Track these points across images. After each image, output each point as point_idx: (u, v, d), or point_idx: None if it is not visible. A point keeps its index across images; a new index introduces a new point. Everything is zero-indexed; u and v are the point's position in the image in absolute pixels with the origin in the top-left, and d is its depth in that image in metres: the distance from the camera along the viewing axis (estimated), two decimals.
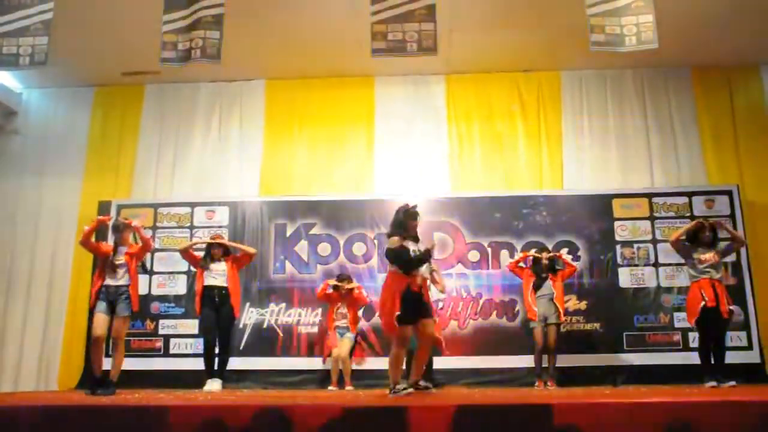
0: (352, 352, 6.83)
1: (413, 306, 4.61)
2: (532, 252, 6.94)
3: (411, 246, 4.76)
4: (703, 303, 5.78)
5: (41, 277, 8.09)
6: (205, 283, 6.42)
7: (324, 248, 7.74)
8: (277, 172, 8.35)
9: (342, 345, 6.65)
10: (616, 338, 7.26)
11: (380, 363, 7.17)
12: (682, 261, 6.34)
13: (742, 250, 7.21)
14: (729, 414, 3.10)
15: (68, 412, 3.39)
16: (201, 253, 6.71)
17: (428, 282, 6.08)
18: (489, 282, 7.55)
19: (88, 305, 5.80)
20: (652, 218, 7.60)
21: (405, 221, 4.85)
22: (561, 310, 6.62)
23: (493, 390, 5.92)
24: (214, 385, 6.22)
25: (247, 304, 7.51)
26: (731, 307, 5.93)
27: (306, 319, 7.50)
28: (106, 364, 5.65)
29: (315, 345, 7.41)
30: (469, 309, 7.45)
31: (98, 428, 3.29)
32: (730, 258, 6.92)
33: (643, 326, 7.29)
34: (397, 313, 4.53)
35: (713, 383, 5.61)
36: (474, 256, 7.61)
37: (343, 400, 3.99)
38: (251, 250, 6.79)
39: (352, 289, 6.89)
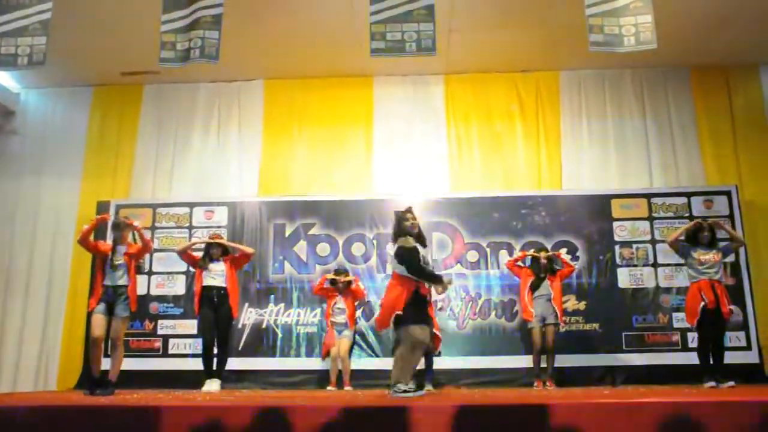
0: (351, 351, 6.81)
1: (421, 309, 4.60)
2: (531, 252, 6.95)
3: (423, 253, 4.72)
4: (703, 304, 5.79)
5: (40, 277, 8.08)
6: (204, 284, 6.41)
7: (323, 248, 7.73)
8: (276, 172, 8.35)
9: (340, 344, 6.63)
10: (615, 338, 7.25)
11: (380, 363, 7.20)
12: (681, 261, 6.35)
13: (741, 251, 7.22)
14: (728, 414, 3.10)
15: (67, 413, 3.39)
16: (199, 254, 6.70)
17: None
18: (488, 282, 7.55)
19: (87, 306, 5.78)
20: (651, 218, 7.61)
21: (401, 222, 4.81)
22: (559, 312, 6.63)
23: (493, 390, 5.92)
24: (212, 385, 6.22)
25: (246, 304, 7.51)
26: (731, 308, 5.94)
27: (305, 319, 7.49)
28: (105, 364, 5.65)
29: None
30: (468, 309, 7.45)
31: (97, 428, 3.29)
32: (729, 258, 6.90)
33: (642, 326, 7.30)
34: (399, 312, 4.50)
35: (712, 384, 5.61)
36: (473, 256, 7.61)
37: (342, 400, 3.99)
38: (249, 250, 6.79)
39: (349, 282, 6.87)
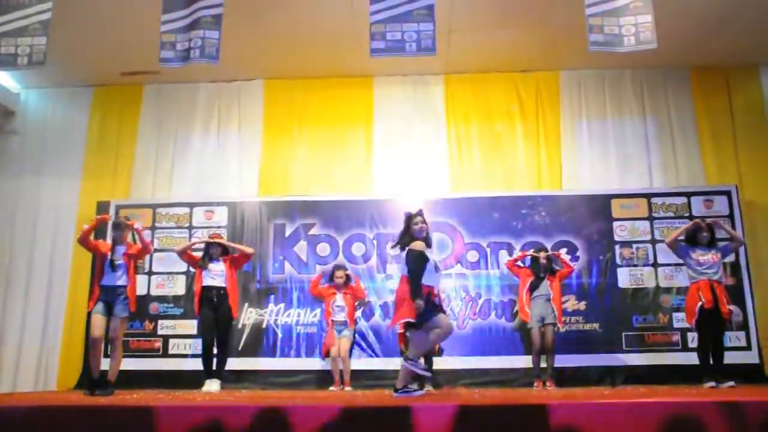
0: (351, 351, 6.80)
1: (427, 311, 4.61)
2: (531, 252, 6.95)
3: (431, 257, 4.75)
4: (700, 303, 5.79)
5: (40, 277, 8.08)
6: (204, 284, 6.41)
7: (323, 248, 7.73)
8: (276, 173, 8.34)
9: (340, 344, 6.61)
10: (615, 338, 7.25)
11: (379, 364, 7.20)
12: (681, 261, 6.34)
13: (741, 250, 7.22)
14: (728, 414, 3.09)
15: (66, 413, 3.39)
16: (199, 254, 6.70)
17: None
18: (488, 282, 7.55)
19: (86, 306, 5.78)
20: (651, 218, 7.60)
21: (409, 225, 4.83)
22: (558, 312, 6.63)
23: (493, 390, 5.92)
24: (212, 385, 6.22)
25: (246, 304, 7.51)
26: (730, 308, 5.93)
27: (305, 319, 7.49)
28: (105, 364, 5.65)
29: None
30: (468, 309, 7.44)
31: (97, 429, 3.29)
32: (729, 258, 6.91)
33: (642, 326, 7.29)
34: (410, 319, 4.55)
35: (712, 384, 5.61)
36: (473, 256, 7.61)
37: (342, 400, 3.99)
38: (249, 250, 6.79)
39: (348, 278, 6.85)
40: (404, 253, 4.78)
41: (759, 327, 7.17)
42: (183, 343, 7.48)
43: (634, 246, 7.55)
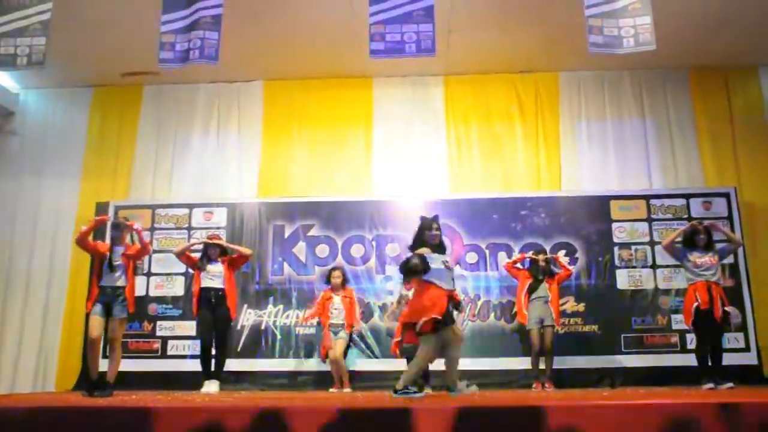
0: (346, 352, 6.78)
1: (447, 313, 4.66)
2: (530, 254, 6.95)
3: (435, 258, 4.74)
4: (695, 305, 5.78)
5: (39, 277, 8.07)
6: (202, 285, 6.40)
7: (322, 250, 7.73)
8: (276, 174, 8.34)
9: (336, 345, 6.58)
10: (614, 340, 7.26)
11: (379, 365, 7.20)
12: (680, 263, 6.34)
13: (740, 252, 7.23)
14: (726, 416, 3.09)
15: (65, 414, 3.38)
16: (197, 255, 6.70)
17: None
18: (487, 284, 7.55)
19: (85, 307, 5.78)
20: (649, 220, 7.61)
21: (422, 232, 4.88)
22: (555, 314, 6.63)
23: (492, 392, 5.92)
24: (211, 386, 6.21)
25: (245, 305, 7.51)
26: (728, 309, 5.92)
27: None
28: (104, 365, 5.65)
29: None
30: (467, 311, 7.44)
31: (95, 430, 3.28)
32: (728, 259, 6.91)
33: (641, 328, 7.29)
34: (436, 316, 4.55)
35: (711, 385, 5.60)
36: (472, 257, 7.61)
37: (341, 402, 3.99)
38: (247, 251, 6.78)
39: (346, 278, 6.86)
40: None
41: (758, 328, 7.18)
42: (182, 344, 7.48)
43: (633, 247, 7.55)
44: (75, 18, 6.71)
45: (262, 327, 7.51)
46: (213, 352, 6.40)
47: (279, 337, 7.47)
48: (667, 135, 8.18)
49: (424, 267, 4.65)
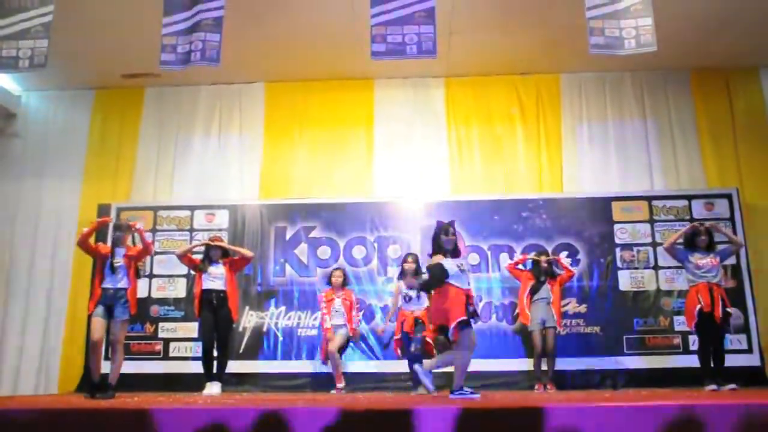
0: (343, 349, 6.75)
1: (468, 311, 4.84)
2: (531, 255, 6.95)
3: (450, 263, 4.92)
4: (699, 307, 5.78)
5: (41, 279, 8.07)
6: (203, 287, 6.42)
7: (324, 251, 7.73)
8: (277, 175, 8.35)
9: (334, 340, 6.55)
10: (616, 341, 7.24)
11: (380, 366, 7.19)
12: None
13: (742, 253, 7.22)
14: (729, 417, 3.09)
15: (67, 416, 3.39)
16: (199, 257, 6.70)
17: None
18: (489, 285, 7.55)
19: (87, 309, 5.79)
20: (651, 221, 7.60)
21: (438, 237, 5.05)
22: (557, 316, 6.62)
23: (493, 393, 5.92)
24: (213, 388, 6.22)
25: (247, 307, 7.51)
26: (729, 310, 5.92)
27: (306, 322, 7.48)
28: (105, 367, 5.65)
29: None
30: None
31: (97, 431, 3.28)
32: (730, 261, 6.91)
33: (643, 329, 7.28)
34: (463, 318, 4.75)
35: (713, 386, 5.61)
36: (473, 259, 7.60)
37: (343, 403, 3.98)
38: (249, 253, 6.79)
39: (347, 278, 6.87)
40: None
41: (760, 330, 7.16)
42: (184, 346, 7.47)
43: (635, 249, 7.54)
44: (76, 20, 6.72)
45: (264, 329, 7.51)
46: (215, 353, 6.41)
47: (281, 338, 7.47)
48: (668, 136, 8.17)
49: (442, 276, 4.81)
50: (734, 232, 7.14)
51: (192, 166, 8.43)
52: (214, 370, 6.36)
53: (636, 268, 7.48)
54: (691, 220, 7.25)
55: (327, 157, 8.35)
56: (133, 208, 7.93)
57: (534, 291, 6.71)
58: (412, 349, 6.18)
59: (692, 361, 6.29)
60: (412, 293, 6.37)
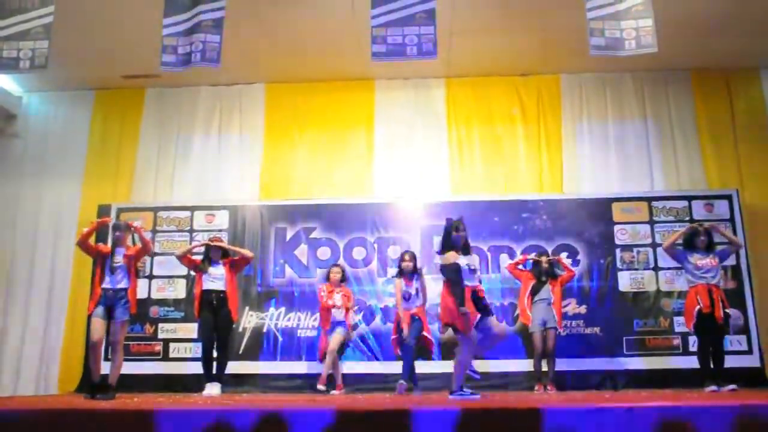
0: (343, 349, 6.73)
1: (477, 308, 4.89)
2: (532, 255, 6.95)
3: (461, 260, 4.98)
4: (698, 308, 5.78)
5: (41, 280, 8.08)
6: (204, 287, 6.41)
7: (324, 252, 7.73)
8: (278, 176, 8.35)
9: (332, 339, 6.51)
10: (616, 342, 7.25)
11: (380, 367, 7.19)
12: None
13: (742, 254, 7.23)
14: (729, 418, 3.09)
15: (67, 416, 3.39)
16: (199, 257, 6.70)
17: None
18: (489, 286, 7.49)
19: (87, 310, 5.79)
20: (651, 222, 7.60)
21: (449, 234, 5.09)
22: (558, 317, 6.62)
23: (493, 393, 5.92)
24: (213, 389, 6.21)
25: (247, 307, 7.51)
26: (728, 311, 5.92)
27: (305, 323, 7.49)
28: (105, 368, 5.65)
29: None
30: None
31: None
32: (730, 261, 6.92)
33: (643, 330, 7.28)
34: (473, 315, 4.83)
35: (713, 387, 5.60)
36: (473, 259, 7.59)
37: (343, 404, 3.99)
38: (249, 253, 6.78)
39: (345, 274, 6.86)
40: (440, 267, 5.13)
41: (760, 330, 7.16)
42: (183, 347, 7.47)
43: (635, 250, 7.54)
44: (77, 21, 6.73)
45: (264, 329, 7.51)
46: (214, 354, 6.41)
47: (281, 339, 7.47)
48: (669, 137, 8.17)
49: (458, 278, 4.89)
50: (734, 233, 7.13)
51: (192, 166, 8.43)
52: (214, 371, 6.36)
53: (636, 269, 7.49)
54: (691, 221, 7.24)
55: (327, 157, 8.36)
56: (134, 209, 7.94)
57: (534, 291, 6.71)
58: (404, 337, 6.16)
59: (692, 362, 6.28)
60: (412, 291, 6.36)
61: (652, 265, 7.48)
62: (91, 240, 5.98)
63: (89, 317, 5.63)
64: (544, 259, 6.83)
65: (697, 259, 5.95)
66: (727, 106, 8.21)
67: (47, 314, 7.98)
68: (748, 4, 6.83)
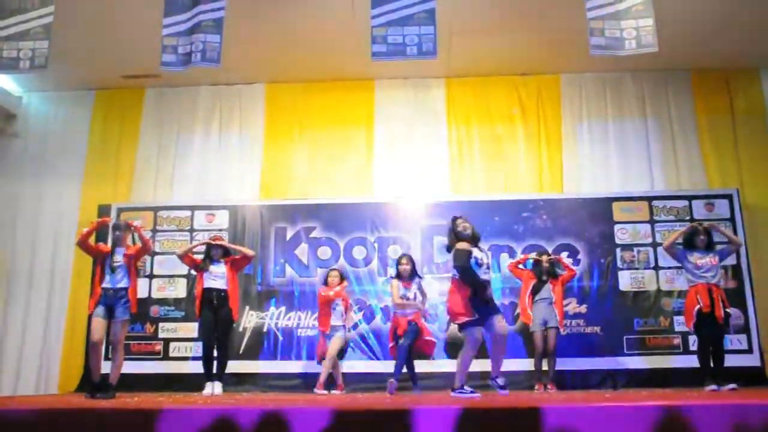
0: (342, 354, 6.71)
1: (480, 308, 4.94)
2: (533, 255, 6.95)
3: (474, 252, 5.07)
4: (698, 307, 5.78)
5: (41, 280, 8.08)
6: (205, 286, 6.41)
7: (324, 251, 7.73)
8: (278, 176, 8.35)
9: (332, 343, 6.46)
10: (616, 341, 7.25)
11: (380, 367, 7.19)
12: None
13: (743, 254, 7.23)
14: (729, 417, 3.09)
15: (68, 416, 3.39)
16: (200, 256, 6.70)
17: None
18: None
19: (87, 309, 5.79)
20: (652, 221, 7.60)
21: (454, 228, 5.21)
22: (559, 316, 6.62)
23: (494, 393, 5.92)
24: (213, 388, 6.21)
25: (247, 307, 7.51)
26: (728, 310, 5.92)
27: (306, 323, 7.49)
28: (106, 367, 5.65)
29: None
30: None
31: (97, 431, 3.29)
32: (730, 261, 6.92)
33: (643, 330, 7.28)
34: (468, 319, 4.93)
35: (713, 387, 5.60)
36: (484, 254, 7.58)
37: (343, 403, 3.99)
38: (250, 252, 6.78)
39: (342, 277, 6.81)
40: (451, 254, 5.16)
41: (760, 330, 7.16)
42: (184, 346, 7.48)
43: (635, 249, 7.54)
44: (77, 21, 6.73)
45: (264, 329, 7.51)
46: (215, 353, 6.41)
47: (281, 338, 7.48)
48: (669, 137, 8.17)
49: (466, 262, 4.97)
50: (735, 232, 7.13)
51: (192, 166, 8.43)
52: (214, 370, 6.36)
53: (636, 269, 7.49)
54: (692, 220, 7.24)
55: (327, 157, 8.35)
56: (134, 209, 7.94)
57: (535, 291, 6.71)
58: (401, 340, 6.17)
59: (692, 362, 6.28)
60: (410, 294, 6.35)
61: (652, 264, 7.48)
62: (91, 240, 5.98)
63: (89, 317, 5.63)
64: (544, 258, 6.82)
65: (697, 259, 5.95)
66: (727, 106, 8.21)
67: (47, 314, 7.98)
68: (748, 4, 6.82)
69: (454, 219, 5.27)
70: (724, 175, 7.97)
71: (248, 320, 7.51)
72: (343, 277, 6.85)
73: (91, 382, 5.62)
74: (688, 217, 7.47)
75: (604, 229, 7.60)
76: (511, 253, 7.51)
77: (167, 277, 7.72)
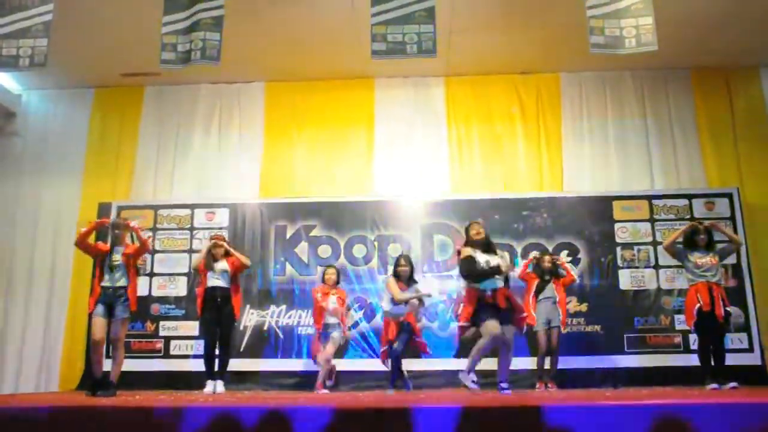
0: (339, 352, 6.69)
1: (489, 311, 5.12)
2: (533, 254, 6.95)
3: (480, 257, 5.23)
4: (698, 306, 5.78)
5: (41, 278, 8.08)
6: (207, 284, 6.39)
7: (324, 250, 7.73)
8: (277, 174, 8.35)
9: (329, 344, 6.40)
10: (617, 340, 7.25)
11: (380, 364, 7.17)
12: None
13: (743, 252, 7.23)
14: (729, 416, 3.09)
15: (69, 414, 3.39)
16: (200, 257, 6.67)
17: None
18: None
19: (87, 308, 5.79)
20: (652, 220, 7.60)
21: (466, 230, 5.43)
22: (562, 316, 6.61)
23: (495, 391, 5.92)
24: (215, 386, 6.20)
25: (248, 305, 7.51)
26: (728, 309, 5.92)
27: (306, 321, 7.49)
28: (107, 365, 5.65)
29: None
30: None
31: (98, 429, 3.29)
32: (731, 260, 6.92)
33: (644, 328, 7.29)
34: (464, 323, 5.25)
35: (714, 385, 5.60)
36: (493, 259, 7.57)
37: (344, 401, 3.99)
38: (247, 261, 6.60)
39: (339, 276, 6.76)
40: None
41: (761, 329, 7.16)
42: (184, 344, 7.48)
43: (636, 248, 7.54)
44: (76, 19, 6.73)
45: (265, 327, 7.51)
46: (216, 352, 6.40)
47: (281, 337, 7.48)
48: (669, 135, 8.17)
49: (471, 269, 5.16)
50: (735, 231, 7.12)
51: (192, 164, 8.43)
52: (216, 368, 6.35)
53: (636, 267, 7.49)
54: (692, 219, 7.24)
55: (327, 155, 8.36)
56: (134, 207, 7.94)
57: (539, 290, 6.69)
58: (395, 345, 6.17)
59: (693, 360, 6.29)
60: (406, 296, 6.33)
61: (652, 263, 7.48)
62: (90, 239, 5.97)
63: (90, 315, 5.63)
64: (546, 258, 6.81)
65: (698, 258, 5.94)
66: (726, 105, 8.21)
67: (48, 312, 7.99)
68: (747, 3, 6.83)
69: (470, 223, 5.43)
70: (724, 174, 7.98)
71: (249, 319, 7.51)
72: (340, 277, 6.75)
73: (92, 380, 5.62)
74: (688, 216, 7.48)
75: (605, 228, 7.60)
76: (511, 252, 7.48)
77: (168, 276, 7.72)
